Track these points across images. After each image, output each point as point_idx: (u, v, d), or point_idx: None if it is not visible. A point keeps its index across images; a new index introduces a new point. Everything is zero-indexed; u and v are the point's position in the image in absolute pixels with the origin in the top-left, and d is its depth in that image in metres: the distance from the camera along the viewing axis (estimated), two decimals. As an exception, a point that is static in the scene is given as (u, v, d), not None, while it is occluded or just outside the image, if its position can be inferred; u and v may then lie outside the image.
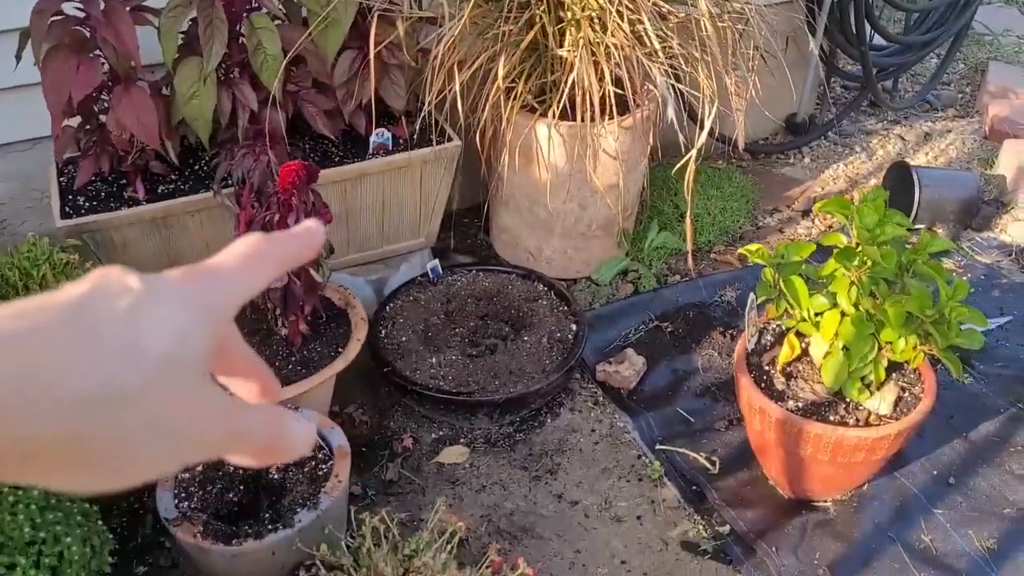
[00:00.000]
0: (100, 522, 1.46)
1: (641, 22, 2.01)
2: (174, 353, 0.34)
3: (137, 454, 0.34)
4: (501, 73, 2.07)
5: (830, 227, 2.75)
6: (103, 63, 1.84)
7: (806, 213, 2.83)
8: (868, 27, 2.93)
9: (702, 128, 2.10)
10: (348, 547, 1.54)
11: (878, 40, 3.20)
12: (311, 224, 0.43)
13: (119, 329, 0.33)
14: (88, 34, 1.82)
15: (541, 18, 2.07)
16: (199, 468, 1.61)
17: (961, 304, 1.56)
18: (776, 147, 3.11)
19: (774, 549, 1.76)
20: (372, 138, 2.12)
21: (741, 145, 2.26)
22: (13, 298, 1.71)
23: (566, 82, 2.06)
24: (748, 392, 1.73)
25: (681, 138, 2.08)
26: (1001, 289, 2.47)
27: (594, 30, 2.03)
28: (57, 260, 1.75)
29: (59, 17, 1.80)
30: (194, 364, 0.35)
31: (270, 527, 1.50)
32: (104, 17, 1.76)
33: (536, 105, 2.23)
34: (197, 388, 0.35)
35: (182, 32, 1.90)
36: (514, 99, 2.15)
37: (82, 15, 1.79)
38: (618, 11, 2.00)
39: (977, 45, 3.87)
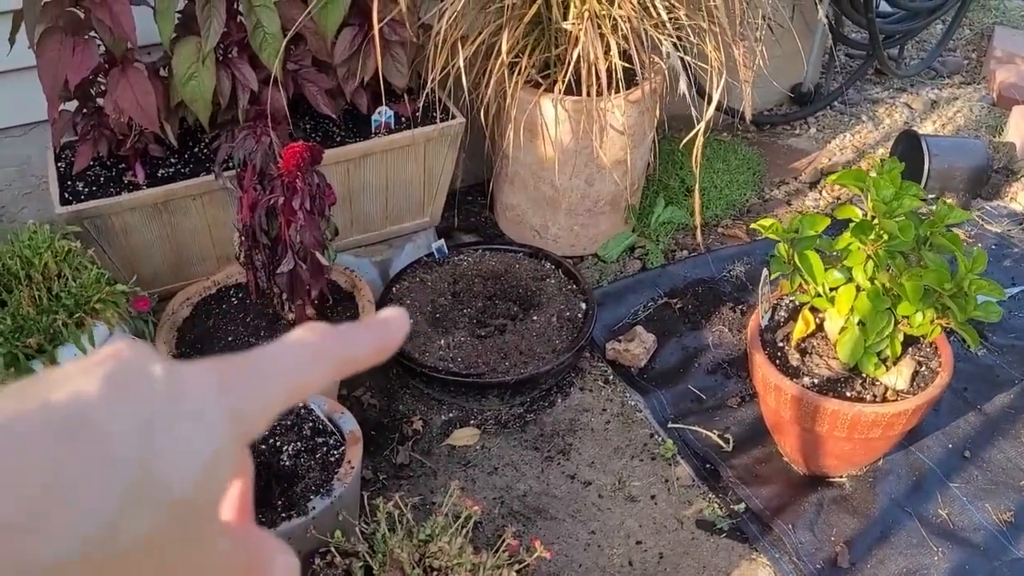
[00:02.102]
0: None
1: (647, -7, 1.97)
2: (199, 489, 0.25)
3: None
4: (504, 48, 2.03)
5: (837, 198, 2.72)
6: (99, 45, 1.80)
7: (814, 184, 2.80)
8: (874, -6, 2.88)
9: (710, 101, 2.07)
10: (362, 533, 1.52)
11: (884, 7, 3.15)
12: (394, 314, 0.34)
13: (129, 451, 0.24)
14: (83, 15, 1.78)
15: (545, -10, 2.02)
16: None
17: (980, 277, 1.54)
18: (782, 118, 3.07)
19: (790, 526, 1.75)
20: (375, 117, 2.08)
21: (748, 117, 2.22)
22: (16, 287, 1.68)
23: (571, 56, 2.02)
24: (763, 369, 1.71)
25: (684, 112, 2.04)
26: (1012, 259, 2.44)
27: (599, 2, 1.99)
28: (59, 248, 1.72)
29: (52, -1, 1.75)
30: (216, 502, 0.27)
31: (283, 515, 1.49)
32: (98, -3, 1.71)
33: (540, 80, 2.19)
34: (212, 532, 0.27)
35: (179, 12, 1.85)
36: (518, 74, 2.11)
37: (76, -4, 1.75)
38: (624, -18, 1.95)
39: (983, 10, 3.81)
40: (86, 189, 1.93)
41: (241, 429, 0.28)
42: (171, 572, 0.26)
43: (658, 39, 1.99)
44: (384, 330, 0.33)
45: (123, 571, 0.24)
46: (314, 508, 1.49)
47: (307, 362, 0.30)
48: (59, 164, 1.99)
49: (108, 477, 0.23)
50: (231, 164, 1.87)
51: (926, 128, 3.05)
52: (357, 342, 0.32)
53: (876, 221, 1.59)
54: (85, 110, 1.89)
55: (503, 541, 1.54)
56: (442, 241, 2.24)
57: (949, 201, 2.62)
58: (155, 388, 0.26)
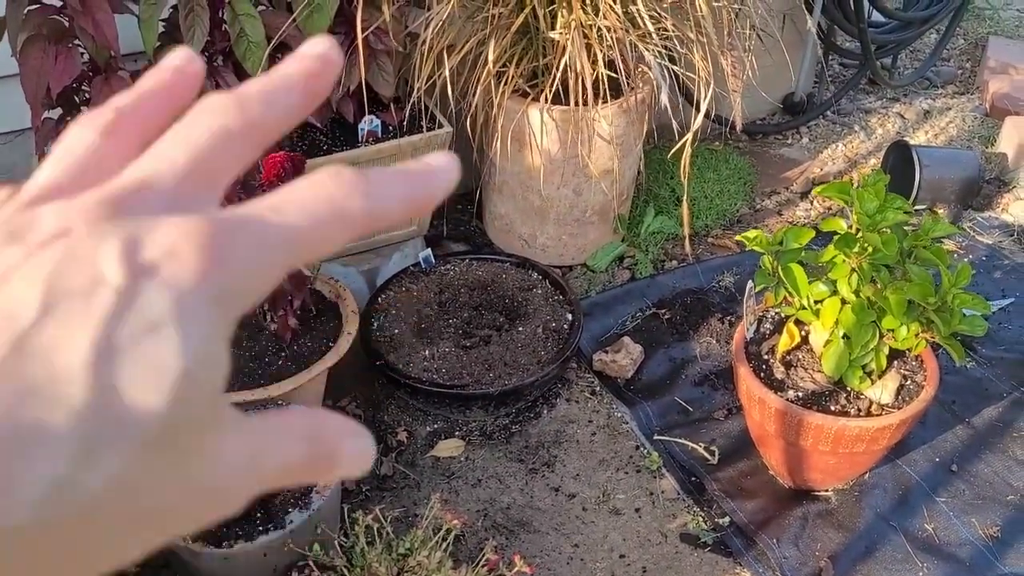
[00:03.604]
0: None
1: (634, 2, 1.96)
2: (178, 409, 0.21)
3: (106, 558, 0.22)
4: (491, 57, 2.02)
5: (829, 209, 2.71)
6: (83, 53, 1.80)
7: (805, 194, 2.79)
8: (866, 3, 2.88)
9: (698, 110, 2.06)
10: (341, 547, 1.51)
11: (877, 17, 3.14)
12: (440, 161, 0.27)
13: (78, 390, 0.20)
14: (66, 23, 1.77)
15: (531, 0, 2.02)
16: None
17: (964, 291, 1.53)
18: (774, 127, 3.07)
19: (775, 540, 1.73)
20: (361, 125, 2.07)
21: (739, 127, 2.21)
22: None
23: (558, 66, 2.01)
24: (747, 382, 1.70)
25: (676, 122, 2.04)
26: (1003, 270, 2.43)
27: (586, 12, 1.98)
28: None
29: (35, 6, 1.75)
30: (206, 411, 0.23)
31: (261, 528, 1.47)
32: (81, 6, 1.70)
33: (528, 90, 2.18)
34: (212, 447, 0.23)
35: (163, 20, 1.85)
36: (505, 84, 2.10)
37: (59, 3, 1.74)
38: (610, -8, 1.95)
39: (977, 19, 3.81)
40: (70, 197, 1.92)
41: (229, 313, 0.23)
42: (165, 510, 0.22)
43: (644, 50, 1.98)
44: (425, 180, 0.27)
45: (95, 526, 0.21)
46: (291, 521, 1.48)
47: (322, 217, 0.24)
48: (43, 172, 1.98)
49: (55, 427, 0.20)
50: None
51: (919, 138, 3.05)
52: (389, 193, 0.26)
53: (860, 234, 1.58)
54: (69, 118, 1.88)
55: (483, 556, 1.53)
56: (428, 251, 2.23)
57: (940, 212, 2.61)
58: (109, 295, 0.21)
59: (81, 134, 0.26)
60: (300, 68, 0.27)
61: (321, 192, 0.25)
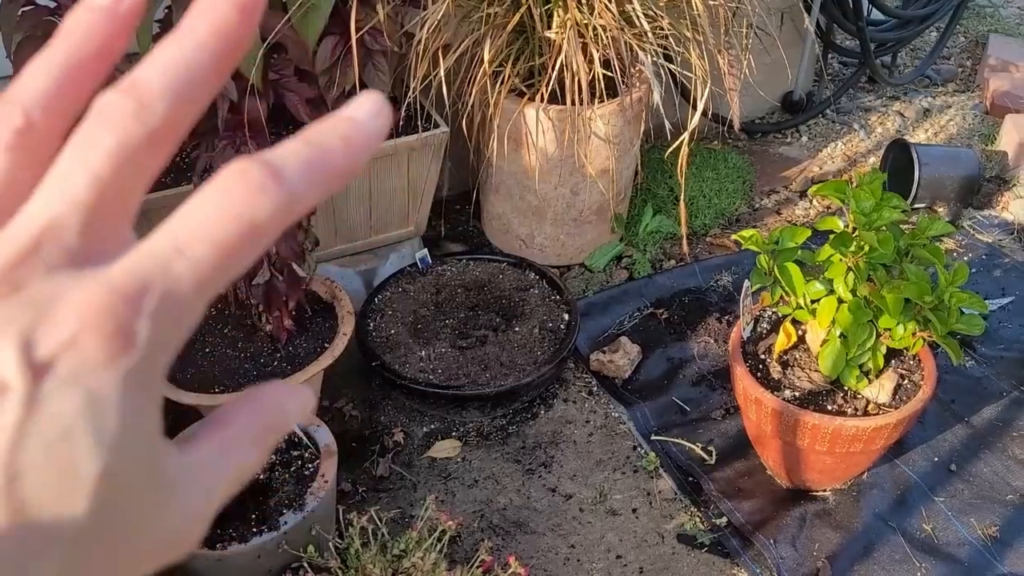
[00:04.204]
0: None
1: (630, 1, 1.95)
2: (109, 500, 0.21)
3: None
4: (487, 57, 2.01)
5: (828, 208, 2.70)
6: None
7: (804, 194, 2.78)
8: (865, 1, 2.87)
9: (695, 110, 2.05)
10: (336, 548, 1.50)
11: (876, 15, 3.13)
12: (359, 113, 0.24)
13: None
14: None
15: (527, -1, 2.01)
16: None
17: (961, 290, 1.52)
18: (773, 126, 3.06)
19: (772, 541, 1.73)
20: (357, 126, 2.07)
21: (737, 125, 2.20)
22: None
23: (554, 65, 2.01)
24: (743, 382, 1.69)
25: (671, 121, 2.03)
26: (1003, 269, 2.42)
27: (581, 11, 1.97)
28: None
29: (30, 7, 1.74)
30: (149, 477, 0.22)
31: (255, 530, 1.47)
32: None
33: (524, 89, 2.17)
34: (164, 499, 0.22)
35: (158, 20, 1.84)
36: (501, 83, 2.09)
37: (53, 5, 1.74)
38: (606, -10, 1.94)
39: (977, 17, 3.79)
40: (65, 199, 1.92)
41: (148, 385, 0.22)
42: (125, 569, 0.22)
43: (639, 48, 1.97)
44: (346, 148, 0.24)
45: None
46: (286, 523, 1.47)
47: (232, 241, 0.22)
48: (39, 173, 1.98)
49: None
50: (211, 174, 1.86)
51: (918, 137, 3.03)
52: (304, 180, 0.23)
53: (856, 233, 1.57)
54: (64, 119, 1.88)
55: (477, 557, 1.52)
56: (425, 251, 2.22)
57: (940, 210, 2.60)
58: (13, 406, 0.20)
59: None
60: (213, 23, 0.23)
61: (228, 209, 0.22)
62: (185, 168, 1.99)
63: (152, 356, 0.21)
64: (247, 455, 0.25)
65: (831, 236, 1.59)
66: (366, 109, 0.24)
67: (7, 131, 0.23)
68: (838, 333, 1.61)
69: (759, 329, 1.81)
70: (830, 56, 3.28)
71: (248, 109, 1.85)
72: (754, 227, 2.58)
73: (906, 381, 1.69)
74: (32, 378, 0.20)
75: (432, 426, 1.99)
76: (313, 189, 0.23)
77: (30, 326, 0.20)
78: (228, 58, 0.24)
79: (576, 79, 1.99)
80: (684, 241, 2.33)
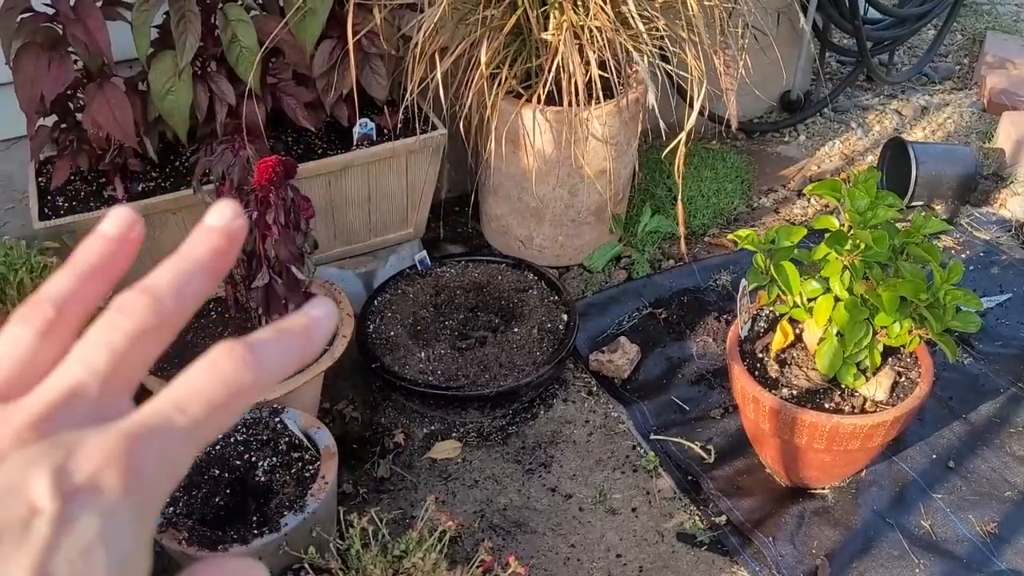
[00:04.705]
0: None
1: (625, 3, 1.96)
2: None
3: None
4: (484, 59, 2.02)
5: (826, 206, 2.71)
6: (76, 60, 1.81)
7: (802, 192, 2.78)
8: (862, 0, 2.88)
9: (692, 109, 2.06)
10: (337, 549, 1.51)
11: (873, 13, 3.14)
12: (317, 312, 0.31)
13: None
14: (59, 31, 1.78)
15: (523, 2, 2.02)
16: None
17: (956, 287, 1.53)
18: (770, 125, 3.06)
19: (771, 539, 1.73)
20: (355, 129, 2.08)
21: (734, 125, 2.21)
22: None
23: (551, 67, 2.02)
24: (741, 381, 1.70)
25: (668, 121, 2.04)
26: (1000, 266, 2.43)
27: (577, 13, 1.98)
28: (35, 263, 1.72)
29: (28, 14, 1.76)
30: None
31: (256, 531, 1.48)
32: (74, 13, 1.71)
33: (521, 91, 2.18)
34: None
35: (155, 26, 1.85)
36: (499, 85, 2.10)
37: (52, 12, 1.75)
38: (602, -8, 1.95)
39: (974, 15, 3.80)
40: (66, 204, 1.93)
41: (149, 517, 0.26)
42: None
43: (635, 50, 1.98)
44: (306, 339, 0.30)
45: None
46: (286, 524, 1.48)
47: (220, 401, 0.28)
48: (40, 179, 1.99)
49: None
50: (210, 178, 1.87)
51: (916, 135, 3.04)
52: (275, 359, 0.29)
53: (851, 231, 1.58)
54: (64, 125, 1.89)
55: (477, 557, 1.53)
56: (424, 253, 2.23)
57: (938, 208, 2.61)
58: (46, 525, 0.24)
59: (20, 336, 0.29)
60: (208, 247, 0.30)
61: (217, 377, 0.28)
62: (185, 172, 2.00)
63: (155, 491, 0.26)
64: None
65: (827, 235, 1.60)
66: (323, 311, 0.31)
67: (40, 320, 0.29)
68: (835, 331, 1.62)
69: (756, 328, 1.82)
70: (827, 55, 3.28)
71: (246, 113, 1.86)
72: (752, 226, 2.59)
73: (903, 379, 1.70)
74: (61, 502, 0.24)
75: (432, 427, 2.00)
76: (282, 366, 0.29)
77: (61, 462, 0.25)
78: (219, 268, 0.30)
79: (573, 80, 2.00)
80: (682, 241, 2.34)
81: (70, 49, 1.78)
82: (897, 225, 1.64)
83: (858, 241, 1.54)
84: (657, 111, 1.97)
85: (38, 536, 0.24)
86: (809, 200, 2.75)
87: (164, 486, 0.27)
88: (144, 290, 0.29)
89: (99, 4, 1.76)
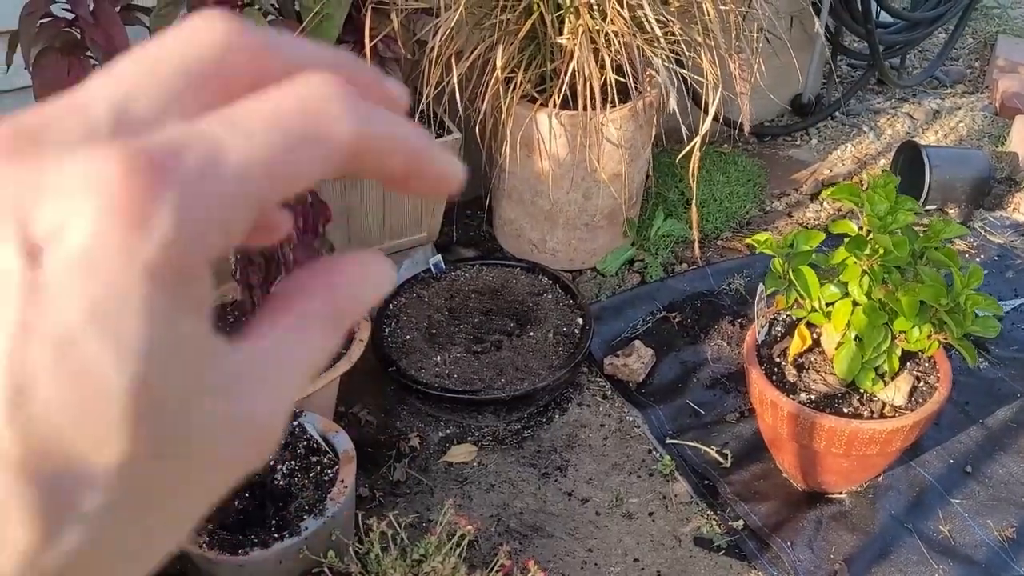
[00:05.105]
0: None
1: (641, 7, 1.96)
2: (155, 425, 0.17)
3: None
4: (500, 63, 2.03)
5: (839, 210, 2.71)
6: (95, 65, 1.81)
7: (814, 196, 2.78)
8: (874, 4, 2.88)
9: (706, 114, 2.06)
10: (356, 553, 1.51)
11: (885, 17, 3.14)
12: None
13: None
14: (78, 35, 1.78)
15: (539, 6, 2.02)
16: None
17: (976, 292, 1.52)
18: (782, 129, 3.06)
19: (789, 543, 1.73)
20: (370, 133, 2.08)
21: (747, 129, 2.21)
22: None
23: (566, 71, 2.02)
24: (759, 385, 1.70)
25: (684, 126, 2.04)
26: (1015, 270, 2.42)
27: (593, 17, 1.99)
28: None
29: (48, 19, 1.76)
30: (198, 384, 0.18)
31: (276, 535, 1.48)
32: (93, 18, 1.72)
33: (536, 95, 2.19)
34: (222, 402, 0.18)
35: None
36: (513, 89, 2.10)
37: (71, 16, 1.75)
38: (618, -3, 1.95)
39: (986, 19, 3.79)
40: (83, 208, 1.93)
41: (182, 287, 0.17)
42: (184, 494, 0.18)
43: (651, 54, 1.98)
44: (427, 144, 0.22)
45: (98, 558, 0.17)
46: (306, 528, 1.49)
47: (296, 139, 0.19)
48: (56, 183, 2.00)
49: None
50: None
51: (928, 138, 3.04)
52: (389, 131, 0.21)
53: (871, 236, 1.58)
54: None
55: (497, 561, 1.53)
56: (439, 256, 2.23)
57: (951, 212, 2.60)
58: (12, 292, 0.16)
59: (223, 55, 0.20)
60: (398, 93, 0.23)
61: (307, 103, 0.19)
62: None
63: (186, 243, 0.17)
64: (327, 336, 0.21)
65: (846, 239, 1.59)
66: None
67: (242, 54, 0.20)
68: (853, 336, 1.62)
69: (774, 332, 1.82)
70: (839, 59, 3.28)
71: (264, 117, 1.86)
72: (765, 230, 2.59)
73: (922, 383, 1.70)
74: (29, 260, 0.16)
75: (448, 431, 2.00)
76: (386, 149, 0.21)
77: (33, 186, 0.16)
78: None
79: (588, 84, 2.00)
80: (696, 245, 2.34)
81: (89, 54, 1.79)
82: (915, 229, 1.64)
83: (878, 246, 1.54)
84: (678, 115, 1.97)
85: (6, 314, 0.16)
86: (822, 204, 2.74)
87: (198, 239, 0.17)
88: (344, 89, 0.20)
89: (118, 9, 1.76)
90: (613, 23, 1.96)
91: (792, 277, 1.63)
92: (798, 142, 3.05)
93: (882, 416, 1.64)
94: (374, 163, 0.21)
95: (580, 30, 1.99)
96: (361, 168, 0.20)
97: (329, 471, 1.60)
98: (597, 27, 1.99)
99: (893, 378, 1.67)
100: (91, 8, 1.73)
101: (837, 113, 3.13)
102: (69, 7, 1.71)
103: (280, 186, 0.19)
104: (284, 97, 0.19)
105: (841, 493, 1.82)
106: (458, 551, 1.52)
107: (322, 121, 0.19)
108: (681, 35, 2.03)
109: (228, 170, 0.17)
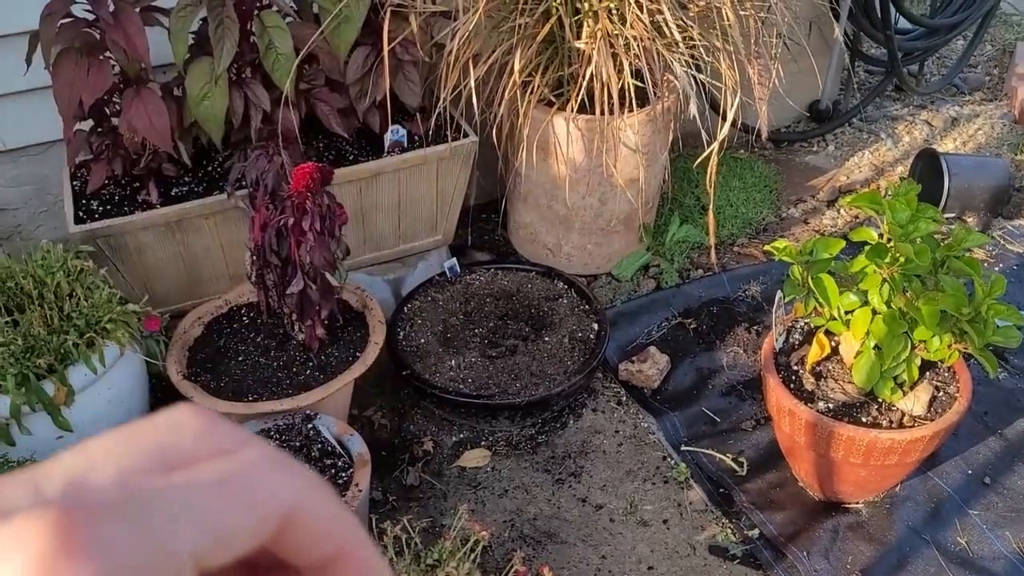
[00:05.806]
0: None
1: (661, 12, 1.96)
2: None
3: None
4: (517, 67, 2.02)
5: (856, 217, 2.69)
6: (114, 65, 1.82)
7: (831, 203, 2.77)
8: (893, 10, 2.86)
9: (724, 119, 2.05)
10: (369, 557, 1.51)
11: (904, 23, 3.12)
12: None
13: None
14: (98, 36, 1.79)
15: (557, 10, 2.02)
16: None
17: (998, 302, 1.51)
18: (799, 135, 3.05)
19: (805, 553, 1.72)
20: (387, 136, 2.08)
21: (764, 135, 2.20)
22: (28, 307, 1.69)
23: (584, 75, 2.01)
24: (776, 393, 1.68)
25: (704, 131, 2.03)
26: (1034, 279, 2.40)
27: (612, 22, 1.98)
28: (71, 267, 1.73)
29: (68, 20, 1.77)
30: None
31: (290, 538, 1.48)
32: (113, 19, 1.72)
33: (553, 99, 2.18)
34: None
35: (192, 32, 1.86)
36: (531, 93, 2.10)
37: (91, 17, 1.76)
38: (637, 1, 1.94)
39: (1005, 26, 3.77)
40: (100, 208, 1.94)
41: None
42: None
43: (670, 59, 1.97)
44: None
45: None
46: (321, 532, 1.48)
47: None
48: (74, 183, 2.00)
49: None
50: (244, 183, 1.87)
51: (946, 146, 3.02)
52: None
53: (892, 244, 1.56)
54: (100, 129, 1.90)
55: (511, 567, 1.52)
56: (454, 260, 2.23)
57: (970, 220, 2.58)
58: None
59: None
60: None
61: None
62: (219, 178, 2.01)
63: None
64: None
65: (866, 247, 1.58)
66: None
67: None
68: (872, 345, 1.60)
69: (791, 340, 1.80)
70: (857, 65, 3.26)
71: (282, 119, 1.87)
72: (781, 236, 2.58)
73: (941, 393, 1.68)
74: None
75: (461, 435, 1.99)
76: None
77: None
78: None
79: (606, 89, 1.99)
80: (712, 251, 2.33)
81: (108, 54, 1.80)
82: (936, 238, 1.62)
83: (899, 254, 1.53)
84: (698, 120, 1.96)
85: None
86: (839, 211, 2.73)
87: None
88: None
89: (138, 10, 1.77)
90: (632, 28, 1.95)
91: (811, 284, 1.61)
92: (815, 148, 3.03)
93: (901, 426, 1.62)
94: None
95: (598, 34, 1.98)
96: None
97: (343, 474, 1.60)
98: (616, 31, 1.98)
99: (912, 388, 1.66)
100: (111, 9, 1.73)
101: (855, 119, 3.12)
102: (89, 8, 1.72)
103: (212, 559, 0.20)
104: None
105: (858, 503, 1.81)
106: (472, 556, 1.51)
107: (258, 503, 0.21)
108: (700, 40, 2.02)
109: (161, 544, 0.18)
